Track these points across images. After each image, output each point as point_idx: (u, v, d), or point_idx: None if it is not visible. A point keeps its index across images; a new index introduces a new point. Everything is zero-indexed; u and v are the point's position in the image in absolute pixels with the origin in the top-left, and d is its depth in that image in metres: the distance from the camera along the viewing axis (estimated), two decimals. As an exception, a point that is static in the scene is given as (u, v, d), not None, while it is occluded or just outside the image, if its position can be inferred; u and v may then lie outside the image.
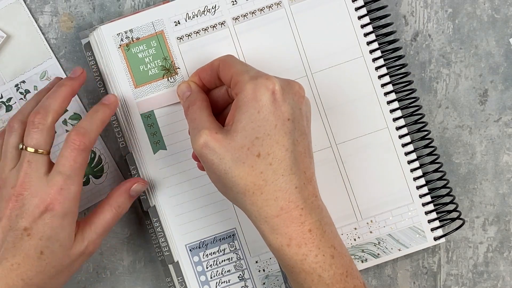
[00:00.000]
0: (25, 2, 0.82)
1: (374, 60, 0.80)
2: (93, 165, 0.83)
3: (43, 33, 0.82)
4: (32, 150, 0.73)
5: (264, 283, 0.82)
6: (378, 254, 0.81)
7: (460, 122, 0.84)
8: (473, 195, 0.84)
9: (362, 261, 0.81)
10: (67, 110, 0.82)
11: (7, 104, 0.82)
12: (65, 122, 0.82)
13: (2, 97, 0.82)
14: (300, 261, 0.69)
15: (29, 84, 0.82)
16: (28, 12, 0.82)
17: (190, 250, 0.81)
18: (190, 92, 0.76)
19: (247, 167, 0.69)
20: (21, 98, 0.82)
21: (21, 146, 0.74)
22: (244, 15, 0.79)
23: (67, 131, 0.82)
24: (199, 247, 0.81)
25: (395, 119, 0.80)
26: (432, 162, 0.82)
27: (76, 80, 0.76)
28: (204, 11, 0.79)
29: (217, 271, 0.82)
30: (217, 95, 0.76)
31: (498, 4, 0.83)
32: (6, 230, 0.72)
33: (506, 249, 0.85)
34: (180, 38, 0.79)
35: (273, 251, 0.71)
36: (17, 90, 0.82)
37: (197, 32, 0.79)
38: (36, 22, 0.82)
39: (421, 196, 0.81)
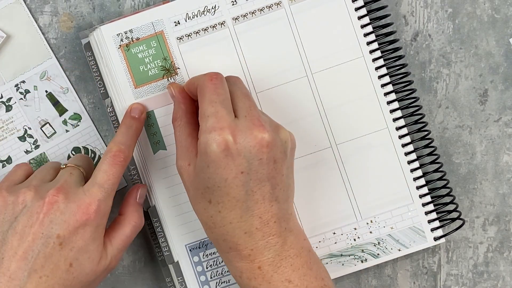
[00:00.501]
0: (25, 2, 0.81)
1: (374, 60, 0.80)
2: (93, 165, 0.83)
3: (43, 33, 0.82)
4: (75, 166, 0.76)
5: (264, 283, 0.82)
6: (378, 254, 0.81)
7: (460, 122, 0.84)
8: (473, 195, 0.84)
9: (362, 261, 0.81)
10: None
11: (7, 104, 0.82)
12: (65, 122, 0.82)
13: (2, 97, 0.82)
14: None
15: (29, 84, 0.82)
16: (28, 12, 0.82)
17: (190, 250, 0.81)
18: (173, 98, 0.77)
19: (201, 208, 0.71)
20: (21, 98, 0.82)
21: (63, 166, 0.76)
22: (244, 15, 0.79)
23: (67, 131, 0.82)
24: (199, 247, 0.81)
25: (395, 119, 0.80)
26: (432, 162, 0.82)
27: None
28: (204, 11, 0.79)
29: (217, 271, 0.82)
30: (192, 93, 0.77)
31: (498, 4, 0.83)
32: (37, 237, 0.71)
33: (506, 249, 0.85)
34: (180, 38, 0.79)
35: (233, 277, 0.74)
36: (17, 90, 0.82)
37: (197, 32, 0.79)
38: (36, 22, 0.82)
39: (421, 196, 0.81)
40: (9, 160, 0.82)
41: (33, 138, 0.82)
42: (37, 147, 0.82)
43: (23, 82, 0.82)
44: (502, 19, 0.83)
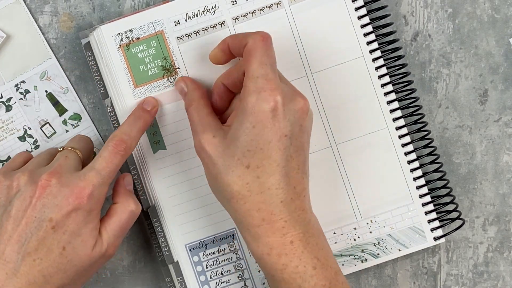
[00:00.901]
0: (25, 2, 0.81)
1: (374, 60, 0.80)
2: (93, 165, 0.83)
3: (43, 33, 0.82)
4: (71, 148, 0.76)
5: (264, 283, 0.82)
6: (378, 254, 0.81)
7: (460, 122, 0.84)
8: (473, 195, 0.84)
9: (362, 261, 0.81)
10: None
11: (7, 104, 0.82)
12: (65, 122, 0.82)
13: (2, 97, 0.82)
14: (280, 270, 0.70)
15: (29, 84, 0.82)
16: (28, 12, 0.82)
17: (190, 250, 0.81)
18: (186, 89, 0.77)
19: (235, 176, 0.70)
20: (21, 98, 0.82)
21: (60, 148, 0.76)
22: (244, 15, 0.79)
23: (67, 131, 0.82)
24: (199, 247, 0.81)
25: (395, 119, 0.80)
26: (432, 162, 0.82)
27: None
28: (204, 11, 0.79)
29: (216, 271, 0.82)
30: (232, 80, 0.76)
31: (498, 4, 0.83)
32: (30, 221, 0.71)
33: (506, 249, 0.85)
34: (180, 38, 0.79)
35: (255, 258, 0.72)
36: (17, 90, 0.82)
37: (197, 32, 0.79)
38: (36, 22, 0.82)
39: (421, 196, 0.81)
40: (9, 160, 0.82)
41: (33, 138, 0.82)
42: (37, 147, 0.83)
43: (23, 82, 0.82)
44: (502, 19, 0.83)
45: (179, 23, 0.79)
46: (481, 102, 0.84)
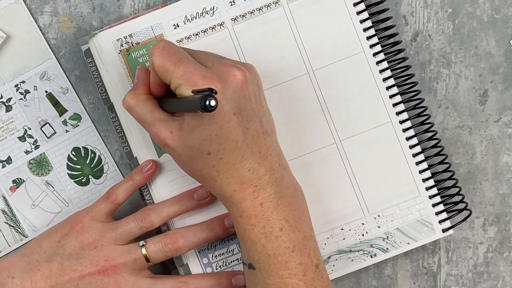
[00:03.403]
0: (25, 2, 0.81)
1: (375, 54, 0.80)
2: (93, 165, 0.83)
3: (43, 33, 0.82)
4: (146, 255, 0.78)
5: (267, 283, 0.82)
6: (387, 248, 0.81)
7: (460, 122, 0.84)
8: (473, 195, 0.84)
9: (372, 256, 0.81)
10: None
11: (7, 104, 0.82)
12: (65, 122, 0.82)
13: (2, 97, 0.82)
14: (248, 230, 0.72)
15: (29, 84, 0.82)
16: (28, 12, 0.82)
17: (199, 252, 0.81)
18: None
19: (200, 163, 0.71)
20: (21, 98, 0.82)
21: (142, 244, 0.78)
22: (243, 15, 0.79)
23: (67, 131, 0.82)
24: (208, 249, 0.81)
25: (398, 113, 0.80)
26: (437, 154, 0.81)
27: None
28: (202, 13, 0.79)
29: (226, 272, 0.82)
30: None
31: (498, 4, 0.82)
32: (71, 284, 0.76)
33: (506, 249, 0.85)
34: (180, 41, 0.79)
35: (233, 222, 0.75)
36: (17, 90, 0.82)
37: (196, 34, 0.79)
38: (36, 22, 0.82)
39: (427, 188, 0.81)
40: (9, 160, 0.82)
41: (33, 138, 0.83)
42: (37, 147, 0.83)
43: (23, 82, 0.82)
44: (502, 19, 0.83)
45: (178, 26, 0.79)
46: (481, 102, 0.84)
